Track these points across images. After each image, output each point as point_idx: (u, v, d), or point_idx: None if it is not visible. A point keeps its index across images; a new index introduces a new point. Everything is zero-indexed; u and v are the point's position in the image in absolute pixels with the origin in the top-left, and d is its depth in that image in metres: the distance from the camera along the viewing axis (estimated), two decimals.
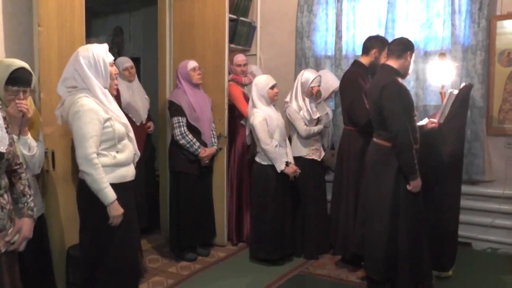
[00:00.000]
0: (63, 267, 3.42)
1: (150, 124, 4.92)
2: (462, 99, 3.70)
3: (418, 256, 3.36)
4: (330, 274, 4.05)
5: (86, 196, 2.69)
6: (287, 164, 4.16)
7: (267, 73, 4.51)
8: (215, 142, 4.46)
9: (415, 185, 3.30)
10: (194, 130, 4.28)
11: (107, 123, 2.67)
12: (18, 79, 2.53)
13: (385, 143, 3.40)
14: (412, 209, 3.35)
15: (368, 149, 3.65)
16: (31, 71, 2.62)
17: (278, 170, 4.11)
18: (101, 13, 7.24)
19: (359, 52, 4.38)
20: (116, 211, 2.68)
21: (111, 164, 2.69)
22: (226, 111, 4.67)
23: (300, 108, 4.27)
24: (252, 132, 4.24)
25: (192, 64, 4.33)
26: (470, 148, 4.37)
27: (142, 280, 3.84)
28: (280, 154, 4.14)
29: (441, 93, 4.00)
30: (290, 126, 4.39)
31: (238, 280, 3.97)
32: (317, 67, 5.04)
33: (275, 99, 4.24)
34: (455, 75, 4.30)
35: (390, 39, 3.98)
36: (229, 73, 4.79)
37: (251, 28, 5.41)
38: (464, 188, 4.07)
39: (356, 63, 4.18)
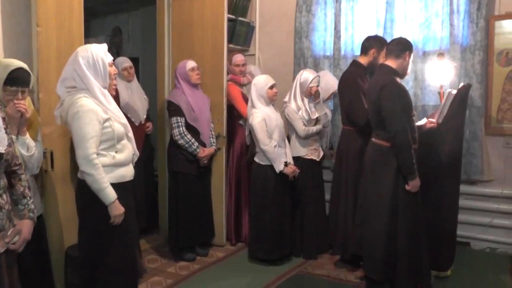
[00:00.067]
0: (61, 267, 3.42)
1: (149, 124, 4.92)
2: (461, 99, 3.70)
3: (417, 256, 3.37)
4: (329, 274, 4.05)
5: (85, 196, 2.69)
6: (286, 164, 4.16)
7: (266, 73, 4.51)
8: (213, 142, 4.46)
9: (413, 185, 3.30)
10: (192, 130, 4.28)
11: (106, 123, 2.67)
12: (17, 79, 2.52)
13: (384, 143, 3.40)
14: (411, 209, 3.35)
15: (366, 149, 3.65)
16: (29, 71, 2.62)
17: (277, 170, 4.11)
18: (100, 13, 7.23)
19: (357, 52, 4.38)
20: (117, 210, 2.68)
21: (110, 164, 2.70)
22: (225, 111, 4.67)
23: (298, 108, 4.27)
24: (251, 132, 4.24)
25: (191, 64, 4.33)
26: (469, 148, 4.38)
27: (141, 280, 3.84)
28: (279, 154, 4.14)
29: (439, 93, 4.00)
30: (288, 126, 4.40)
31: (237, 280, 3.97)
32: (316, 67, 5.04)
33: (274, 99, 4.25)
34: (454, 75, 4.30)
35: (388, 39, 3.98)
36: (228, 73, 4.79)
37: (250, 28, 5.41)
38: (463, 188, 4.07)
39: (354, 63, 4.18)
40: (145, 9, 6.76)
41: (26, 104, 2.61)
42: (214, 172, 4.67)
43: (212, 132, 4.48)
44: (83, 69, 2.66)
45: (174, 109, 4.25)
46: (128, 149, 2.83)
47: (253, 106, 4.19)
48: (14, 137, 2.56)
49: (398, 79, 3.41)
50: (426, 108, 4.55)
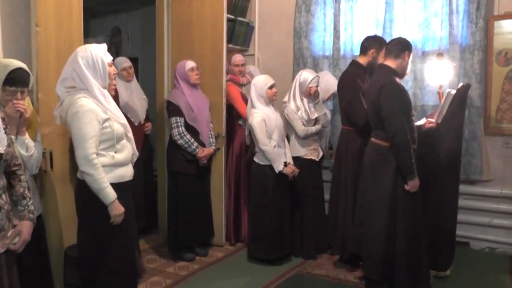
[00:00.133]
0: (61, 268, 3.42)
1: (148, 125, 4.91)
2: (460, 99, 3.70)
3: (416, 256, 3.37)
4: (328, 274, 4.05)
5: (85, 196, 2.69)
6: (285, 164, 4.16)
7: (265, 73, 4.51)
8: (213, 142, 4.46)
9: (413, 185, 3.30)
10: (192, 130, 4.28)
11: (106, 124, 2.67)
12: (16, 80, 2.52)
13: (383, 143, 3.40)
14: (410, 209, 3.35)
15: (366, 149, 3.65)
16: (29, 71, 2.61)
17: (276, 170, 4.11)
18: (99, 13, 7.23)
19: (357, 52, 4.38)
20: (117, 210, 2.68)
21: (109, 164, 2.70)
22: (224, 111, 4.67)
23: (298, 108, 4.27)
24: (250, 132, 4.24)
25: (190, 64, 4.33)
26: (468, 148, 4.38)
27: (141, 280, 3.84)
28: (279, 155, 4.14)
29: (439, 93, 4.00)
30: (288, 126, 4.39)
31: (236, 280, 3.97)
32: (315, 67, 5.04)
33: (274, 99, 4.25)
34: (453, 75, 4.30)
35: (388, 39, 3.97)
36: (227, 73, 4.79)
37: (249, 28, 5.41)
38: (462, 188, 4.07)
39: (354, 63, 4.18)
40: (145, 9, 6.76)
41: (25, 104, 2.61)
42: (214, 172, 4.67)
43: (212, 132, 4.48)
44: (82, 69, 2.66)
45: (174, 109, 4.25)
46: (128, 149, 2.83)
47: (252, 106, 4.19)
48: (13, 137, 2.56)
49: (397, 79, 3.41)
50: (425, 108, 4.55)
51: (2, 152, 2.12)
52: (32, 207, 2.33)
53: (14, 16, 3.43)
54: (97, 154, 2.64)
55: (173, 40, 4.87)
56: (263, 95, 4.17)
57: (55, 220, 3.39)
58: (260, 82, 4.20)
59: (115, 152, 2.73)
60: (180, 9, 4.80)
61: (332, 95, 4.61)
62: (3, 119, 2.22)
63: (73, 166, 3.15)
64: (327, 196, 4.53)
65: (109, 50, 2.82)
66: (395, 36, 4.23)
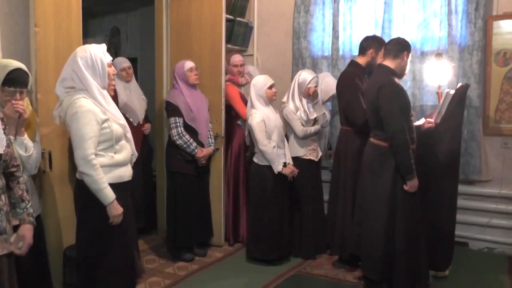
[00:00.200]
0: (60, 268, 3.42)
1: (147, 125, 4.91)
2: (459, 99, 3.70)
3: (415, 256, 3.37)
4: (327, 274, 4.05)
5: (84, 196, 2.69)
6: (285, 165, 4.16)
7: (264, 74, 4.51)
8: (212, 143, 4.46)
9: (412, 185, 3.30)
10: (191, 131, 4.28)
11: (105, 124, 2.67)
12: (15, 80, 2.52)
13: (382, 143, 3.40)
14: (409, 209, 3.35)
15: (365, 149, 3.65)
16: (27, 71, 2.61)
17: (275, 171, 4.11)
18: (98, 13, 7.22)
19: (356, 52, 4.38)
20: (116, 210, 2.68)
21: (108, 164, 2.70)
22: (223, 112, 4.67)
23: (297, 108, 4.27)
24: (250, 132, 4.24)
25: (189, 64, 4.33)
26: (467, 148, 4.38)
27: (139, 280, 3.84)
28: (278, 155, 4.14)
29: (437, 93, 4.00)
30: (287, 127, 4.39)
31: (236, 280, 3.97)
32: (314, 67, 5.04)
33: (274, 99, 4.25)
34: (452, 75, 4.30)
35: (386, 39, 3.97)
36: (226, 74, 4.79)
37: (248, 28, 5.41)
38: (461, 188, 4.07)
39: (352, 63, 4.18)
40: (144, 9, 6.75)
41: (24, 104, 2.61)
42: (213, 172, 4.67)
43: (211, 132, 4.48)
44: (81, 70, 2.66)
45: (172, 110, 4.25)
46: (127, 150, 2.83)
47: (252, 107, 4.19)
48: (12, 137, 2.56)
49: (396, 79, 3.42)
50: (424, 108, 4.55)
51: (1, 152, 2.12)
52: (31, 210, 2.34)
53: (13, 17, 3.43)
54: (96, 154, 2.64)
55: (172, 40, 4.87)
56: (262, 95, 4.17)
57: (54, 220, 3.39)
58: (260, 82, 4.20)
59: (114, 153, 2.73)
60: (179, 9, 4.80)
61: (332, 97, 4.59)
62: (2, 120, 2.22)
63: (72, 166, 3.15)
64: (326, 196, 4.53)
65: (108, 50, 2.82)
66: (394, 36, 4.22)
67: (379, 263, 3.39)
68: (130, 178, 2.88)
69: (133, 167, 2.94)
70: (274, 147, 4.11)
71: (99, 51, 2.72)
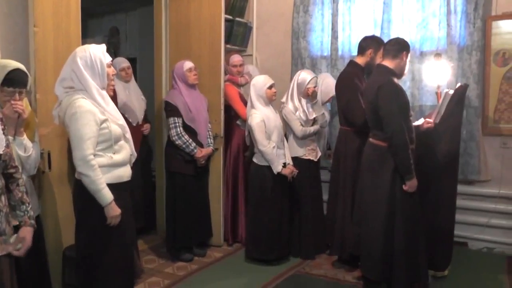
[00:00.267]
0: (59, 268, 3.41)
1: (147, 125, 4.91)
2: (458, 99, 3.70)
3: (415, 256, 3.37)
4: (326, 274, 4.05)
5: (83, 196, 2.68)
6: (284, 165, 4.16)
7: (263, 74, 4.51)
8: (211, 143, 4.46)
9: (411, 185, 3.30)
10: (190, 131, 4.28)
11: (104, 125, 2.67)
12: (14, 80, 2.52)
13: (381, 143, 3.40)
14: (409, 209, 3.35)
15: (364, 149, 3.66)
16: (27, 72, 2.61)
17: (275, 171, 4.11)
18: (97, 13, 7.22)
19: (355, 52, 4.38)
20: (114, 211, 2.68)
21: (107, 164, 2.69)
22: (222, 112, 4.67)
23: (296, 108, 4.27)
24: (250, 133, 4.24)
25: (188, 64, 4.33)
26: (466, 148, 4.39)
27: (139, 280, 3.84)
28: (278, 156, 4.14)
29: (437, 93, 4.01)
30: (286, 127, 4.39)
31: (235, 281, 3.97)
32: (313, 67, 5.04)
33: (273, 99, 4.24)
34: (451, 75, 4.31)
35: (386, 40, 3.97)
36: (225, 74, 4.79)
37: (247, 28, 5.41)
38: (460, 188, 4.07)
39: (351, 63, 4.18)
40: (143, 10, 6.75)
41: (23, 104, 2.61)
42: (212, 173, 4.67)
43: (210, 132, 4.48)
44: (81, 70, 2.65)
45: (171, 110, 4.25)
46: (126, 150, 2.82)
47: (252, 107, 4.19)
48: (11, 138, 2.56)
49: (395, 79, 3.42)
50: (423, 108, 4.55)
51: (1, 153, 2.12)
52: (32, 212, 2.33)
53: (12, 17, 3.42)
54: (95, 155, 2.64)
55: (171, 40, 4.87)
56: (262, 95, 4.17)
57: (53, 220, 3.39)
58: (260, 82, 4.20)
59: (113, 153, 2.73)
60: (178, 9, 4.79)
61: (332, 98, 4.59)
62: (1, 120, 2.23)
63: (71, 166, 3.15)
64: (325, 196, 4.53)
65: (107, 50, 2.81)
66: (393, 36, 4.22)
67: (378, 263, 3.39)
68: (129, 179, 2.88)
69: (132, 168, 2.93)
70: (273, 147, 4.11)
71: (98, 52, 2.71)
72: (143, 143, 4.92)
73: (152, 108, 5.10)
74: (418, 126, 3.70)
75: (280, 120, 4.27)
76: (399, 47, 3.43)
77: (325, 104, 4.66)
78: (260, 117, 4.10)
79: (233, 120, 4.82)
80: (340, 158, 4.18)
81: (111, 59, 2.82)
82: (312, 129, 4.31)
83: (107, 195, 2.64)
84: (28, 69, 2.70)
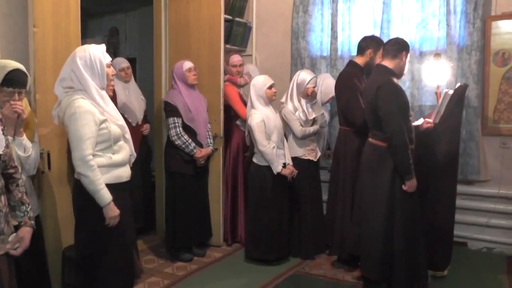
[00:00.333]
0: (59, 268, 3.41)
1: (146, 126, 4.91)
2: (458, 99, 3.71)
3: (414, 256, 3.37)
4: (326, 274, 4.05)
5: (82, 196, 2.68)
6: (284, 165, 4.16)
7: (263, 74, 4.51)
8: (210, 143, 4.46)
9: (410, 185, 3.31)
10: (189, 131, 4.28)
11: (103, 125, 2.67)
12: (13, 81, 2.52)
13: (381, 143, 3.40)
14: (408, 209, 3.35)
15: (363, 149, 3.66)
16: (26, 72, 2.61)
17: (275, 172, 4.11)
18: (96, 13, 7.22)
19: (354, 52, 4.38)
20: (113, 212, 2.67)
21: (107, 164, 2.69)
22: (222, 112, 4.67)
23: (295, 109, 4.27)
24: (250, 133, 4.24)
25: (188, 64, 4.33)
26: (466, 148, 4.39)
27: (138, 280, 3.83)
28: (278, 156, 4.14)
29: (436, 93, 4.01)
30: (286, 127, 4.39)
31: (234, 281, 3.97)
32: (313, 67, 5.04)
33: (273, 99, 4.24)
34: (450, 75, 4.31)
35: (385, 40, 3.97)
36: (225, 74, 4.79)
37: (247, 28, 5.41)
38: (460, 188, 4.07)
39: (351, 63, 4.18)
40: (142, 10, 6.75)
41: (23, 105, 2.61)
42: (211, 173, 4.67)
43: (209, 132, 4.48)
44: (80, 70, 2.65)
45: (171, 110, 4.25)
46: (125, 150, 2.82)
47: (252, 107, 4.19)
48: (10, 138, 2.56)
49: (395, 80, 3.42)
50: (423, 108, 4.55)
51: (1, 153, 2.12)
52: (32, 213, 2.33)
53: (11, 17, 3.42)
54: (94, 155, 2.64)
55: (170, 40, 4.87)
56: (262, 95, 4.17)
57: (53, 220, 3.39)
58: (260, 82, 4.20)
59: (112, 154, 2.72)
60: (177, 9, 4.80)
61: (332, 98, 4.58)
62: (0, 120, 2.22)
63: (71, 166, 3.14)
64: (325, 196, 4.53)
65: (107, 50, 2.81)
66: (392, 36, 4.22)
67: (378, 263, 3.39)
68: (129, 179, 2.88)
69: (131, 168, 2.93)
70: (273, 147, 4.11)
71: (98, 52, 2.71)
72: (143, 143, 4.92)
73: (152, 108, 5.10)
74: (417, 126, 3.70)
75: (280, 120, 4.26)
76: (399, 47, 3.43)
77: (325, 104, 4.66)
78: (260, 117, 4.10)
79: (232, 120, 4.82)
80: (339, 158, 4.18)
81: (110, 59, 2.81)
82: (311, 129, 4.31)
83: (106, 196, 2.64)
84: (27, 69, 2.70)
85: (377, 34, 4.58)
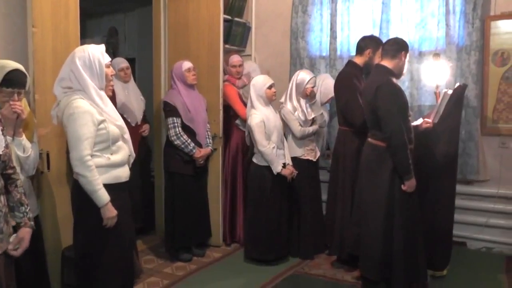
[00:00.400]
0: (58, 268, 3.41)
1: (146, 126, 4.90)
2: (457, 99, 3.71)
3: (413, 256, 3.37)
4: (325, 274, 4.05)
5: (81, 196, 2.68)
6: (284, 165, 4.16)
7: (263, 73, 4.50)
8: (210, 143, 4.46)
9: (409, 185, 3.31)
10: (189, 131, 4.28)
11: (101, 125, 2.67)
12: (13, 81, 2.52)
13: (380, 143, 3.41)
14: (407, 209, 3.36)
15: (363, 149, 3.66)
16: (25, 72, 2.61)
17: (275, 172, 4.10)
18: (96, 13, 7.22)
19: (353, 52, 4.38)
20: (110, 212, 2.67)
21: (105, 165, 2.69)
22: (221, 112, 4.67)
23: (295, 109, 4.27)
24: (250, 133, 4.24)
25: (187, 64, 4.33)
26: (465, 148, 4.39)
27: (138, 280, 3.83)
28: (277, 156, 4.14)
29: (435, 93, 4.01)
30: (285, 127, 4.39)
31: (234, 281, 3.97)
32: (312, 67, 5.04)
33: (273, 99, 4.24)
34: (450, 75, 4.31)
35: (384, 40, 3.97)
36: (224, 74, 4.78)
37: (246, 28, 5.41)
38: (459, 188, 4.07)
39: (350, 63, 4.18)
40: (141, 10, 6.76)
41: (22, 105, 2.61)
42: (211, 173, 4.67)
43: (209, 132, 4.48)
44: (79, 70, 2.65)
45: (170, 110, 4.24)
46: (124, 151, 2.82)
47: (252, 107, 4.19)
48: (10, 138, 2.56)
49: (394, 79, 3.42)
50: (422, 108, 4.55)
51: (0, 153, 2.12)
52: (31, 214, 2.33)
53: (10, 17, 3.42)
54: (92, 155, 2.64)
55: (169, 40, 4.87)
56: (262, 95, 4.16)
57: (52, 221, 3.39)
58: (259, 82, 4.20)
59: (111, 154, 2.72)
60: (177, 9, 4.79)
61: (331, 99, 4.58)
62: (0, 121, 2.22)
63: (70, 167, 3.12)
64: (324, 196, 4.53)
65: (106, 51, 2.81)
66: (391, 36, 4.22)
67: (377, 263, 3.39)
68: (128, 179, 2.88)
69: (130, 168, 2.93)
70: (273, 147, 4.11)
71: (97, 52, 2.71)
72: (142, 143, 4.92)
73: (151, 108, 5.10)
74: (416, 126, 3.70)
75: (280, 121, 4.26)
76: (398, 47, 3.43)
77: (324, 105, 4.66)
78: (260, 117, 4.10)
79: (232, 120, 4.82)
80: (339, 158, 4.18)
81: (110, 59, 2.81)
82: (311, 129, 4.31)
83: (103, 196, 2.64)
84: (26, 69, 2.70)
85: (376, 34, 4.57)
